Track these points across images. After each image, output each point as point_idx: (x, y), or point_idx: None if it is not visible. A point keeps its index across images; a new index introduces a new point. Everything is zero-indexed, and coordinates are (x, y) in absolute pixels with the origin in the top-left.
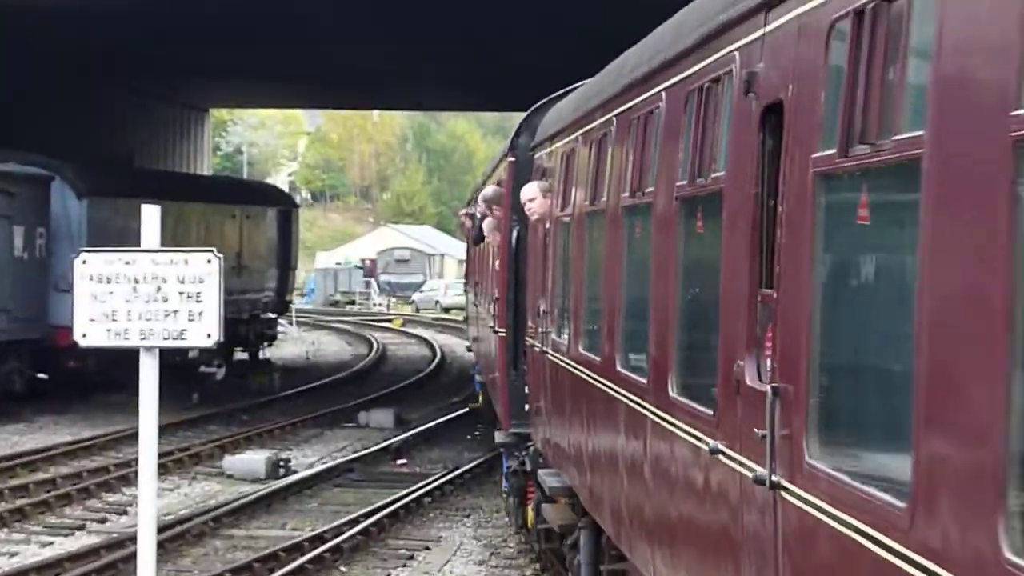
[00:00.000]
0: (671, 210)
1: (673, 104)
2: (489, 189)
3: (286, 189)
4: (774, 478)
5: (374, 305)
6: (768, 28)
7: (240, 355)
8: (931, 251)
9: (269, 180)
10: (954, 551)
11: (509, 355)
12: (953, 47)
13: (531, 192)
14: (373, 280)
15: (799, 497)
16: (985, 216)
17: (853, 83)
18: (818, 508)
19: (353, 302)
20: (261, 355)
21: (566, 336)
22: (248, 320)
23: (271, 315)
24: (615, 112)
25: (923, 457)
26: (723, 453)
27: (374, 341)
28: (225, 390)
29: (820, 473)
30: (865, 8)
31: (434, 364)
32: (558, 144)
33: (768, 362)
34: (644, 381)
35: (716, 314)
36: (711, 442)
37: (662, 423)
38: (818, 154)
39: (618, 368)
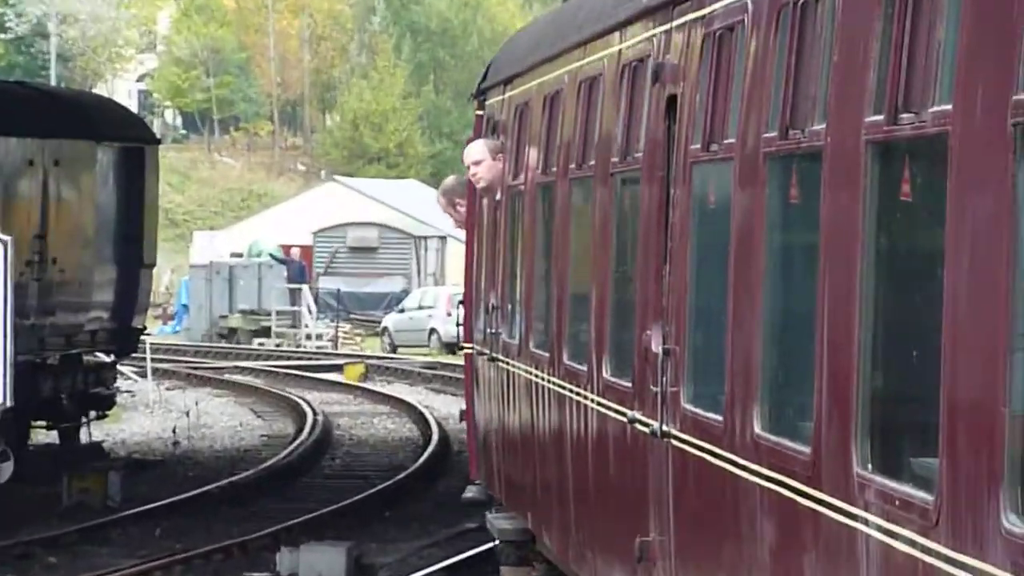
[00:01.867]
0: (609, 186)
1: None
2: (449, 180)
3: (133, 107)
4: (664, 428)
5: (306, 338)
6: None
7: (44, 435)
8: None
9: (101, 91)
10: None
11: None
12: None
13: (477, 153)
14: (305, 289)
15: (680, 440)
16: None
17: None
18: (694, 446)
19: (266, 332)
20: (85, 436)
21: (517, 335)
22: (60, 367)
23: (104, 357)
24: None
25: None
26: (639, 421)
27: (309, 409)
28: (12, 503)
29: (693, 417)
30: None
31: (427, 454)
32: (513, 92)
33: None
34: (584, 368)
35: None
36: (629, 413)
37: (599, 407)
38: (693, 146)
39: (566, 361)
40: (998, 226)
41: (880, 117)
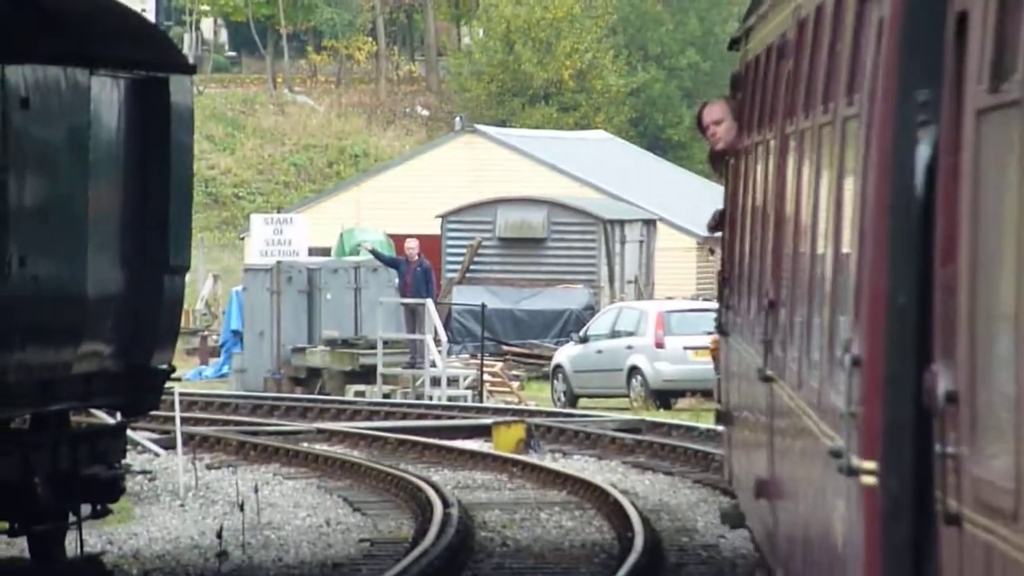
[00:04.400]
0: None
1: None
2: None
3: (151, 14)
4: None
5: (433, 384)
6: None
7: (5, 545)
8: None
9: None
10: None
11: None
12: None
13: (717, 112)
14: (430, 305)
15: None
16: None
17: None
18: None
19: (369, 375)
20: (74, 545)
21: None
22: (32, 435)
23: (106, 417)
24: None
25: None
26: None
27: (436, 498)
28: None
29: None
30: None
31: (626, 570)
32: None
33: None
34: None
35: None
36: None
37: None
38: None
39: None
40: None
41: None
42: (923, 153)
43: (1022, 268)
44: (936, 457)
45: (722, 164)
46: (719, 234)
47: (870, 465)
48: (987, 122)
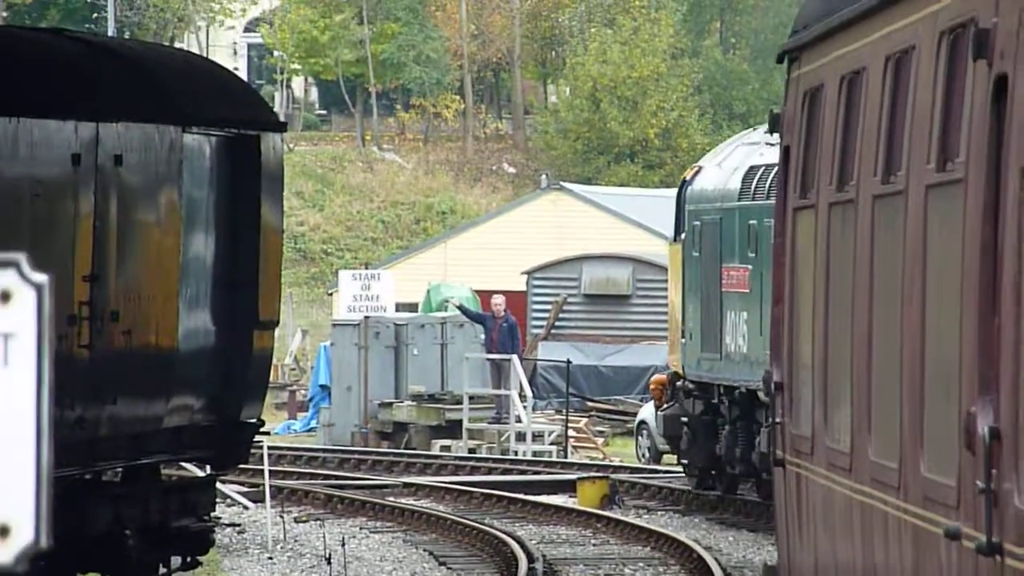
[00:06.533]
0: None
1: None
2: None
3: (242, 73)
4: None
5: (518, 439)
6: None
7: None
8: None
9: (189, 46)
10: None
11: None
12: None
13: None
14: (516, 361)
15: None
16: None
17: None
18: None
19: (455, 430)
20: None
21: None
22: (123, 487)
23: (196, 470)
24: None
25: None
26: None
27: (521, 552)
28: None
29: None
30: None
31: None
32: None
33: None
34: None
35: None
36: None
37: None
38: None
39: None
40: None
41: None
42: None
43: None
44: None
45: None
46: None
47: None
48: None
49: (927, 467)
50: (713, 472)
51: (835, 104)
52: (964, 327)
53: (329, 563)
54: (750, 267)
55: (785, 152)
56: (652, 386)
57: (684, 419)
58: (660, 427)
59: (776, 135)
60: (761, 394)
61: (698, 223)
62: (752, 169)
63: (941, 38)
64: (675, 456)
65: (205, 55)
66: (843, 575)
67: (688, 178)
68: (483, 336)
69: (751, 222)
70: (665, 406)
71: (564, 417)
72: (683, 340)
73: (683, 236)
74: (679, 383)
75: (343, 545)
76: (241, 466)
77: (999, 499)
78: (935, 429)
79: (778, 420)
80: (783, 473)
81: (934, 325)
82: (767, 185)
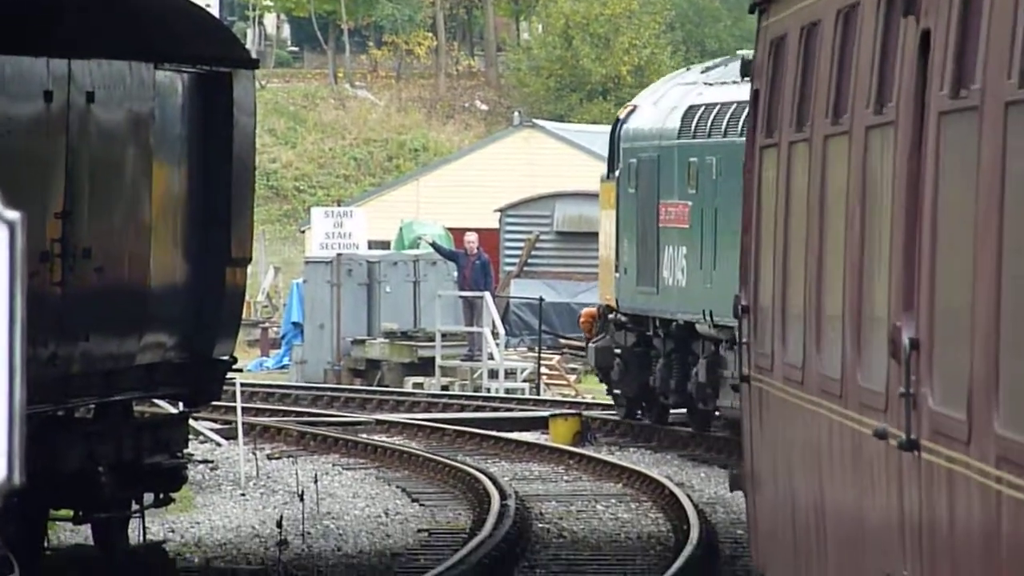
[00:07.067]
0: None
1: None
2: None
3: (214, 8)
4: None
5: (490, 376)
6: None
7: (71, 531)
8: None
9: None
10: None
11: None
12: None
13: None
14: (488, 298)
15: None
16: None
17: None
18: None
19: (428, 367)
20: (136, 533)
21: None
22: (96, 424)
23: (169, 407)
24: None
25: None
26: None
27: (494, 489)
28: None
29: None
30: None
31: (680, 562)
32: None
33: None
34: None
35: None
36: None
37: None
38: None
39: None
40: None
41: None
42: None
43: None
44: None
45: None
46: None
47: None
48: None
49: (863, 377)
50: (643, 403)
51: (796, 53)
52: (892, 252)
53: (302, 500)
54: (690, 203)
55: (754, 95)
56: (582, 319)
57: (617, 351)
58: (591, 359)
59: (745, 78)
60: (698, 326)
61: (634, 160)
62: (692, 108)
63: None
64: (605, 386)
65: None
66: (795, 474)
67: (622, 117)
68: (455, 273)
69: (691, 159)
70: (596, 338)
71: (537, 354)
72: (617, 275)
73: (617, 173)
74: (611, 316)
75: (316, 482)
76: (214, 403)
77: (917, 402)
78: (869, 343)
79: (744, 340)
80: (748, 388)
81: (871, 251)
82: (708, 124)
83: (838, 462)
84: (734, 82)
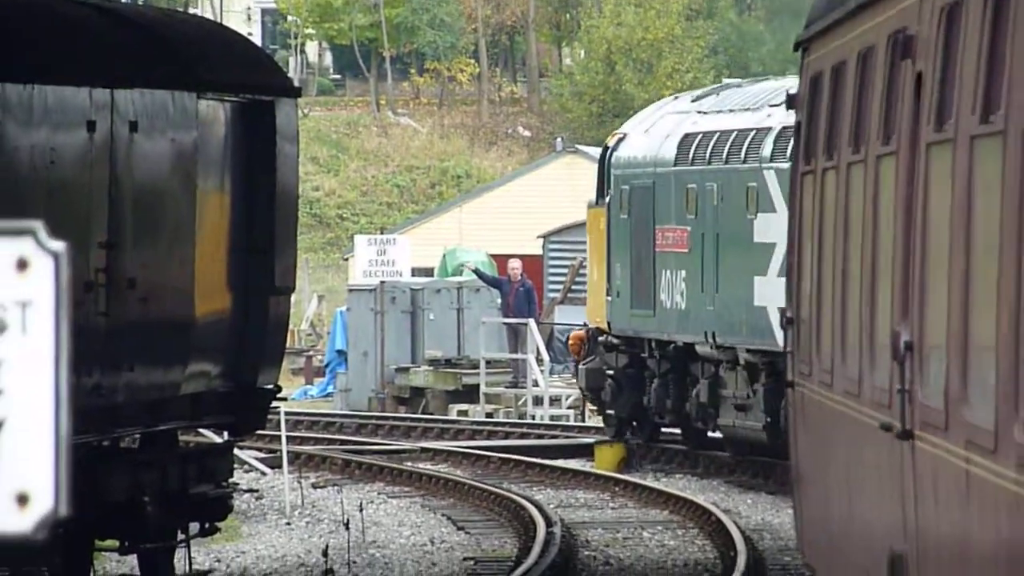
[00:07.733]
0: None
1: None
2: None
3: (256, 38)
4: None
5: (535, 403)
6: None
7: (117, 562)
8: None
9: (203, 11)
10: None
11: None
12: None
13: None
14: (533, 326)
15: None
16: None
17: None
18: None
19: (472, 395)
20: (183, 561)
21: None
22: (141, 454)
23: (214, 436)
24: None
25: None
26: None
27: (539, 517)
28: None
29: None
30: None
31: None
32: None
33: None
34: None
35: None
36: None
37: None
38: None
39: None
40: None
41: None
42: None
43: None
44: None
45: None
46: None
47: None
48: None
49: (874, 378)
50: (634, 423)
51: (828, 89)
52: (894, 268)
53: (347, 528)
54: (689, 228)
55: (797, 127)
56: (571, 342)
57: (609, 372)
58: (582, 380)
59: (791, 111)
60: (699, 347)
61: (627, 187)
62: (688, 136)
63: (888, 41)
64: (595, 407)
65: (219, 21)
66: (824, 468)
67: (611, 144)
68: (499, 301)
69: (690, 185)
70: (585, 360)
71: None
72: (609, 298)
73: (607, 199)
74: (600, 338)
75: (361, 510)
76: (258, 432)
77: (911, 397)
78: (878, 349)
79: (789, 350)
80: (792, 393)
81: (880, 267)
82: (708, 152)
83: (856, 454)
84: (729, 111)
